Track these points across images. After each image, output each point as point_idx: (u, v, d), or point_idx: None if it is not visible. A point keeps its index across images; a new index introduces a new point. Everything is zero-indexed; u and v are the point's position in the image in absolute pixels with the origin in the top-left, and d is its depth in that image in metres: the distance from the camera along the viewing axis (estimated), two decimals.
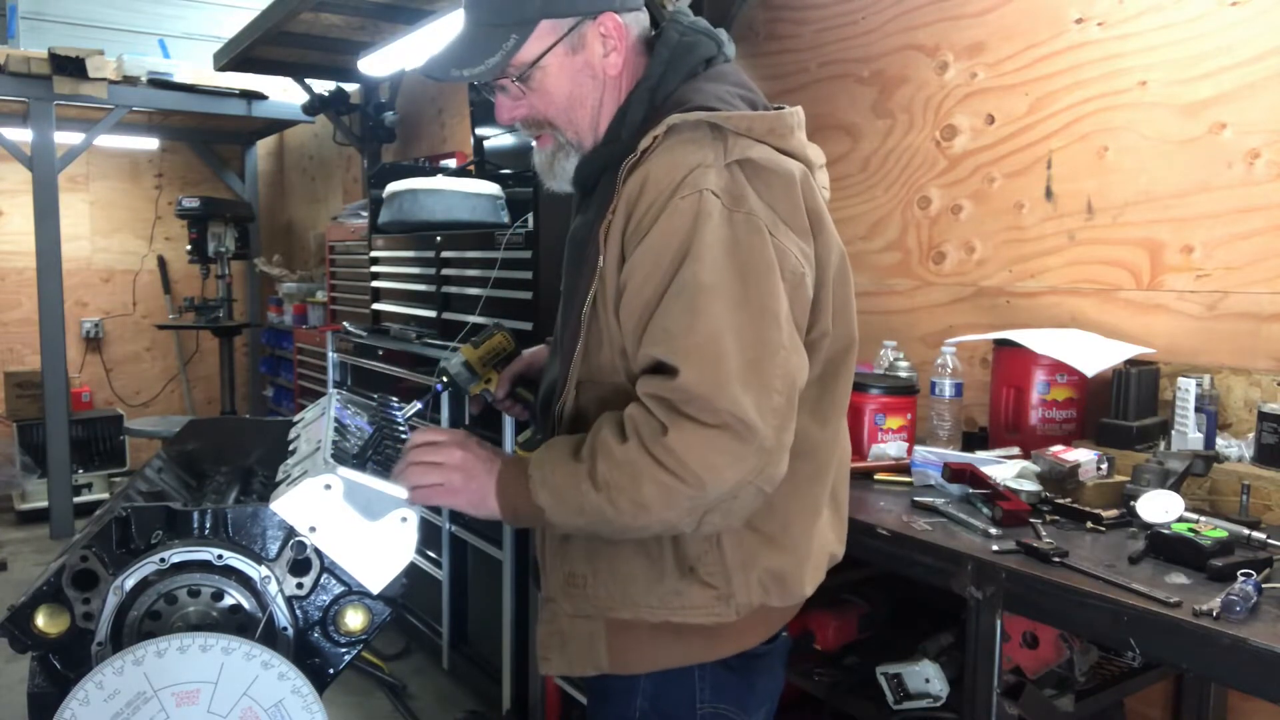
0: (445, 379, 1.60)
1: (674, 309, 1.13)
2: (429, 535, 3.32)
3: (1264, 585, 1.30)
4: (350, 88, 5.09)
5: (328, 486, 1.24)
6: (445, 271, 3.39)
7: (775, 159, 1.22)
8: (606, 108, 1.32)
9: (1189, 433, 1.80)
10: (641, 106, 1.28)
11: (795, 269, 1.18)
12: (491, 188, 3.16)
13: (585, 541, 1.29)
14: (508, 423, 2.82)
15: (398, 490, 1.27)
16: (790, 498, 1.25)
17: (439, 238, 3.38)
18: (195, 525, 1.28)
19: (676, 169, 1.17)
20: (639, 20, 1.33)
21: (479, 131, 3.85)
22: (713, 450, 1.09)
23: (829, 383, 1.29)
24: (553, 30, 1.26)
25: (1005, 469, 1.80)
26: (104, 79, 5.02)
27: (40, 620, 1.21)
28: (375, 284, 4.01)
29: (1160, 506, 1.56)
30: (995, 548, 1.51)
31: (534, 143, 1.39)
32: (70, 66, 4.89)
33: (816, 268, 1.23)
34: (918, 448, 1.97)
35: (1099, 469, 1.78)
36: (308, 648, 1.30)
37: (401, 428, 1.58)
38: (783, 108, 1.32)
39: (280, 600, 1.26)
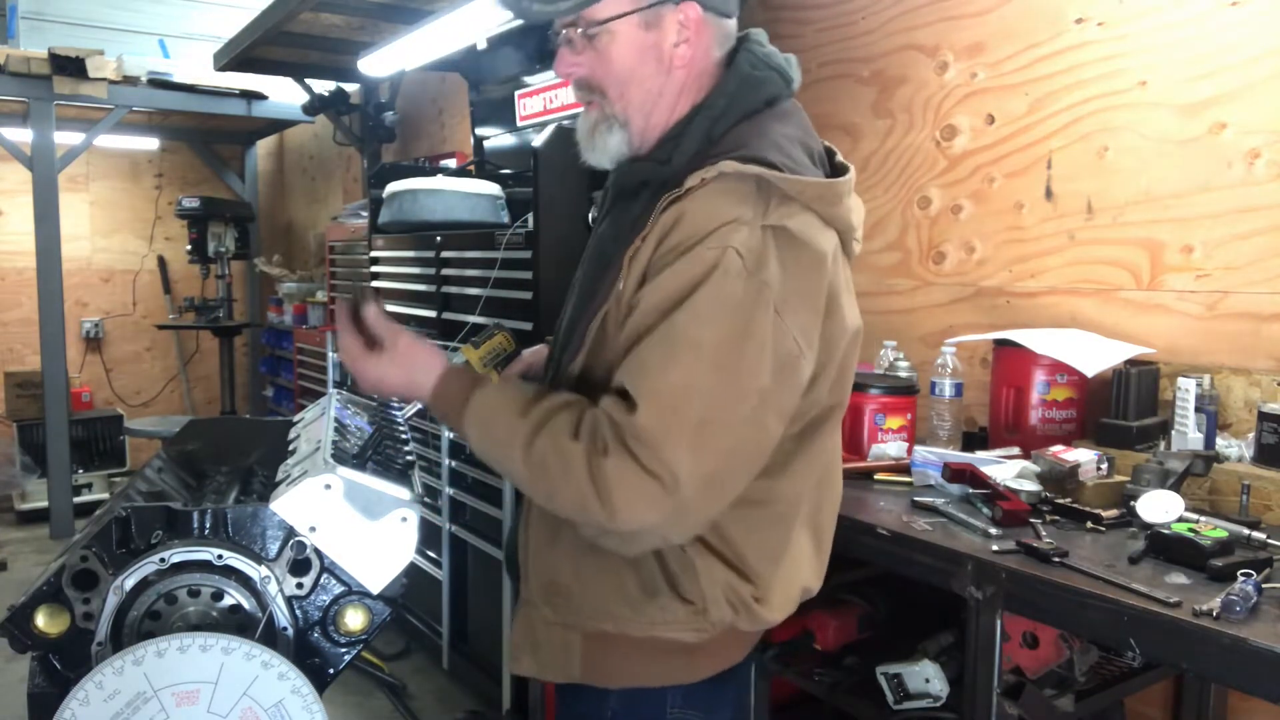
0: None
1: (655, 348, 1.14)
2: (429, 535, 3.32)
3: (1264, 585, 1.30)
4: (350, 88, 5.08)
5: (328, 486, 1.24)
6: (445, 271, 3.39)
7: (810, 234, 1.19)
8: (664, 102, 1.29)
9: (1189, 433, 1.80)
10: (698, 136, 1.26)
11: (790, 351, 1.17)
12: (491, 188, 3.16)
13: (571, 551, 1.29)
14: None
15: (398, 490, 1.27)
16: (744, 534, 1.26)
17: (439, 238, 3.38)
18: (195, 525, 1.28)
19: (712, 218, 1.15)
20: (723, 28, 1.30)
21: (479, 131, 3.85)
22: (637, 492, 1.10)
23: (805, 439, 1.28)
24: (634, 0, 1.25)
25: (1005, 469, 1.80)
26: (104, 79, 5.02)
27: (40, 620, 1.21)
28: (375, 284, 4.01)
29: (1160, 506, 1.56)
30: (995, 548, 1.51)
31: (582, 109, 1.36)
32: (70, 66, 4.89)
33: (826, 344, 1.23)
34: (918, 448, 1.97)
35: (1099, 469, 1.78)
36: (308, 648, 1.30)
37: (401, 428, 1.58)
38: (834, 152, 1.35)
39: (280, 600, 1.26)
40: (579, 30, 1.27)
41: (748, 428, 1.15)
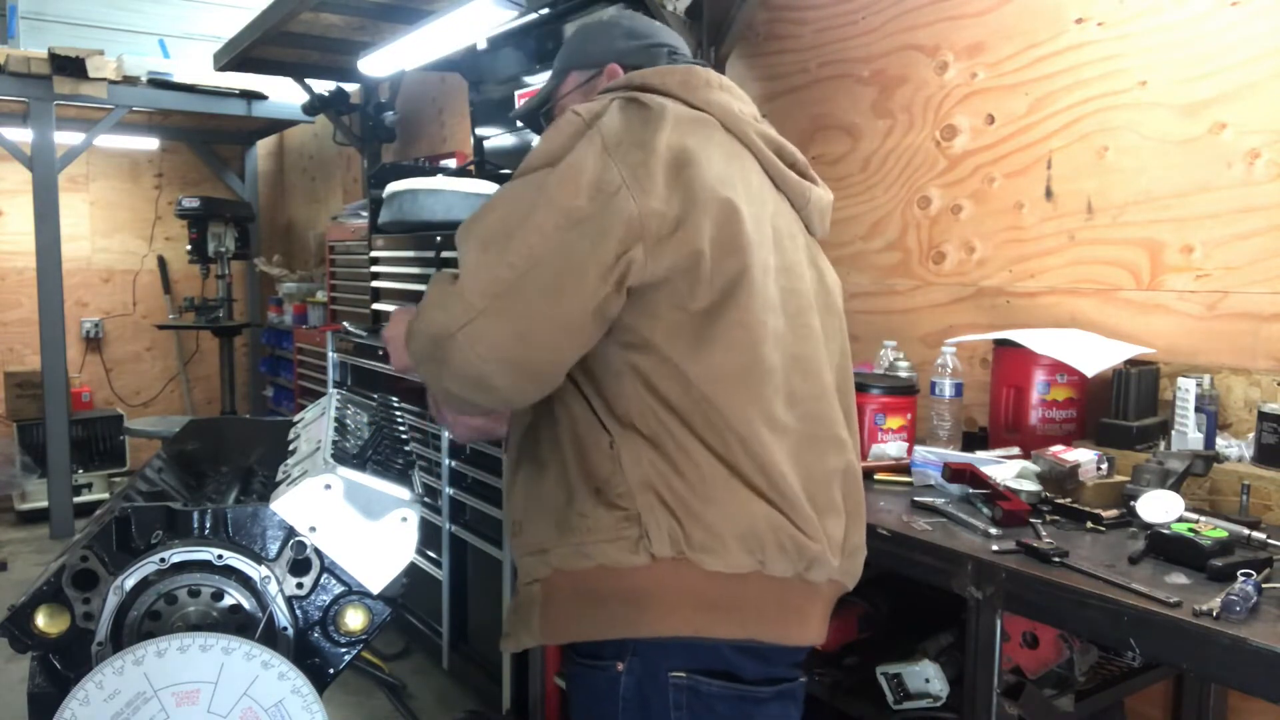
0: None
1: None
2: (429, 535, 3.32)
3: (1264, 585, 1.30)
4: (350, 88, 5.09)
5: (328, 486, 1.24)
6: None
7: (661, 102, 1.28)
8: None
9: (1189, 433, 1.80)
10: None
11: (613, 181, 1.19)
12: (491, 188, 3.16)
13: (522, 489, 1.34)
14: None
15: (398, 490, 1.27)
16: (679, 419, 1.22)
17: (439, 238, 3.38)
18: (195, 525, 1.28)
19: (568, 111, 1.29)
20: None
21: (479, 131, 3.85)
22: (437, 290, 1.21)
23: (717, 314, 1.24)
24: (576, 79, 1.54)
25: (1005, 469, 1.80)
26: (104, 79, 5.02)
27: (40, 620, 1.22)
28: (375, 284, 4.01)
29: (1160, 506, 1.56)
30: (995, 548, 1.51)
31: None
32: (70, 66, 4.89)
33: (682, 190, 1.22)
34: (918, 448, 1.97)
35: (1099, 469, 1.78)
36: (308, 648, 1.30)
37: (402, 428, 1.58)
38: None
39: (280, 600, 1.26)
40: (551, 114, 1.56)
41: (548, 244, 1.16)
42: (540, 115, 1.60)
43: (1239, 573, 1.31)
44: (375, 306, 4.00)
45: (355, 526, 1.26)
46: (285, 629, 1.26)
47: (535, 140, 1.46)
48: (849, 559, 1.35)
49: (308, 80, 5.02)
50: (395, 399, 1.69)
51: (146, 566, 1.22)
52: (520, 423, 1.38)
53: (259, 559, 1.27)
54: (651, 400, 1.24)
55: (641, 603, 1.24)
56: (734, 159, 1.32)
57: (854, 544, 1.37)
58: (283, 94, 5.55)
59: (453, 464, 3.25)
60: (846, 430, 1.38)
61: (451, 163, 3.89)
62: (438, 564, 3.36)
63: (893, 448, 2.03)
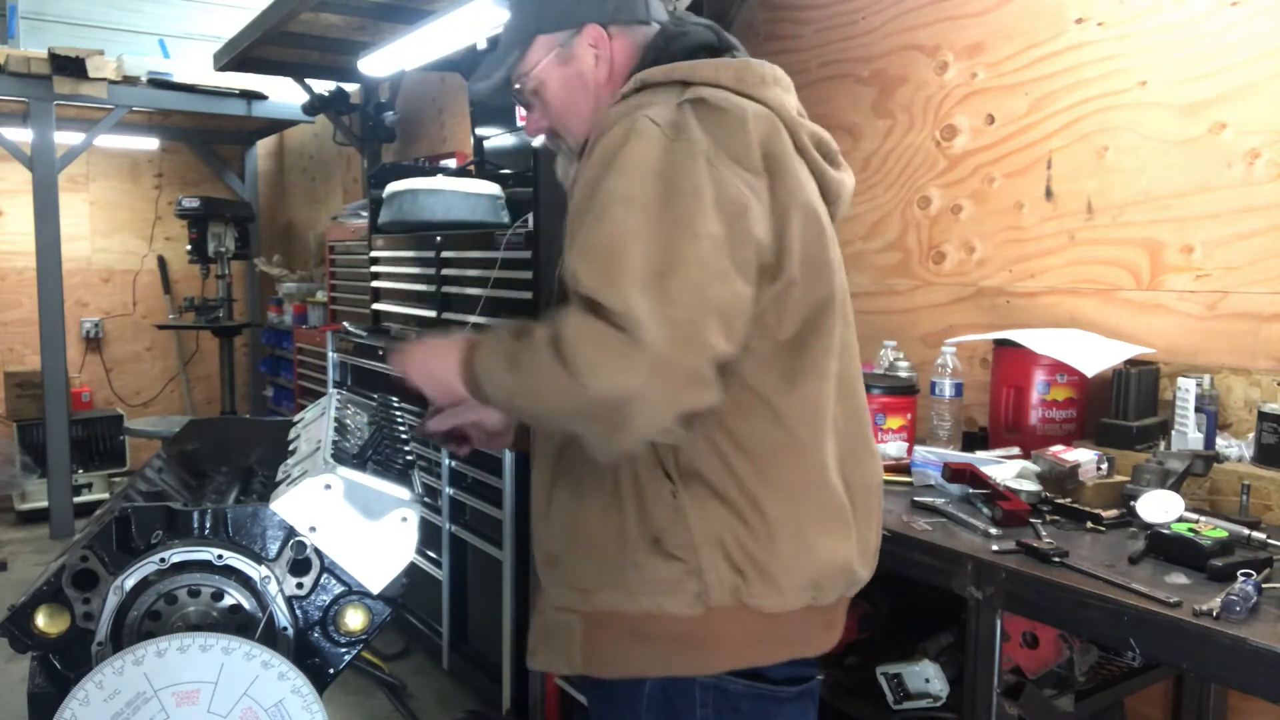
0: None
1: (588, 219, 1.13)
2: (429, 535, 3.32)
3: (1264, 585, 1.30)
4: (350, 88, 5.09)
5: (328, 486, 1.24)
6: (445, 271, 3.39)
7: (729, 98, 1.20)
8: (597, 115, 1.34)
9: (1189, 433, 1.80)
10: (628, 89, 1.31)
11: (736, 199, 1.13)
12: (491, 188, 3.16)
13: (560, 520, 1.27)
14: None
15: (398, 490, 1.27)
16: (754, 464, 1.19)
17: (439, 238, 3.38)
18: (195, 525, 1.28)
19: (629, 112, 1.19)
20: (642, 33, 1.37)
21: (479, 131, 3.85)
22: (601, 346, 1.04)
23: (805, 342, 1.21)
24: (547, 44, 1.37)
25: (1005, 469, 1.80)
26: (104, 79, 5.02)
27: (40, 620, 1.22)
28: (375, 284, 4.01)
29: (1160, 506, 1.56)
30: (995, 548, 1.51)
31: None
32: (70, 66, 4.89)
33: (777, 210, 1.18)
34: (918, 448, 1.97)
35: (1099, 469, 1.78)
36: (308, 648, 1.30)
37: (402, 428, 1.58)
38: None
39: (280, 600, 1.26)
40: (522, 89, 1.40)
41: (708, 274, 1.08)
42: (515, 93, 1.43)
43: (1239, 573, 1.31)
44: (375, 306, 4.00)
45: (355, 526, 1.26)
46: (285, 629, 1.26)
47: (533, 135, 1.43)
48: (873, 561, 1.37)
49: (308, 80, 5.01)
50: (395, 399, 1.69)
51: (146, 566, 1.22)
52: (550, 439, 1.30)
53: (259, 559, 1.27)
54: (724, 444, 1.19)
55: (691, 647, 1.22)
56: (802, 165, 1.28)
57: (876, 547, 1.37)
58: (283, 94, 5.54)
59: (453, 464, 3.25)
60: (873, 439, 1.38)
61: (451, 163, 3.89)
62: (438, 564, 3.36)
63: (893, 448, 2.03)
